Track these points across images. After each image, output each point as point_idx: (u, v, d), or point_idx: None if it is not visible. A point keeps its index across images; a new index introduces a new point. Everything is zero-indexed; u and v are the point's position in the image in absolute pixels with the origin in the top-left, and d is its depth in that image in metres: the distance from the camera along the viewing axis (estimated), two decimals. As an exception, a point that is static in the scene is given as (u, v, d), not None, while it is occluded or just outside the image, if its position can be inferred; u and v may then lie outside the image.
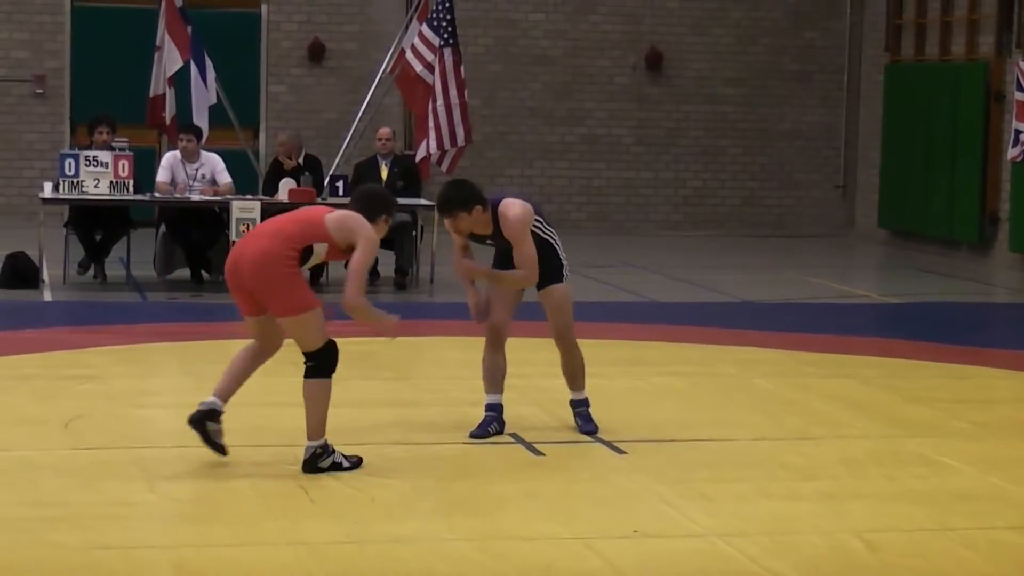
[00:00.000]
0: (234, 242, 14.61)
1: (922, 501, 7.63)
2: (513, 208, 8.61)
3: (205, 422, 8.07)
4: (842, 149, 22.41)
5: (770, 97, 22.22)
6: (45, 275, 15.03)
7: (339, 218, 7.95)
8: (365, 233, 7.92)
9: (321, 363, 7.94)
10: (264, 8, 21.19)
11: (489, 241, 8.77)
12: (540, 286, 8.82)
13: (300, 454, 8.27)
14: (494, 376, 8.87)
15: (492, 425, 8.81)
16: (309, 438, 8.00)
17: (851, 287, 16.78)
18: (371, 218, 8.05)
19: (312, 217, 8.03)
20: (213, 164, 15.17)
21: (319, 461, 7.94)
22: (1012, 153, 18.33)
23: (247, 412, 9.39)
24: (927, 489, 7.88)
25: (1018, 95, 18.14)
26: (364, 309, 7.97)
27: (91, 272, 15.43)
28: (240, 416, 9.23)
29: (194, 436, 8.06)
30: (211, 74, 16.60)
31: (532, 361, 11.43)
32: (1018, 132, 18.14)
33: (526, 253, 8.61)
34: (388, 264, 15.67)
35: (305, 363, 7.99)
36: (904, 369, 11.47)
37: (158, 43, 16.96)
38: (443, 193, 8.62)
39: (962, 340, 12.97)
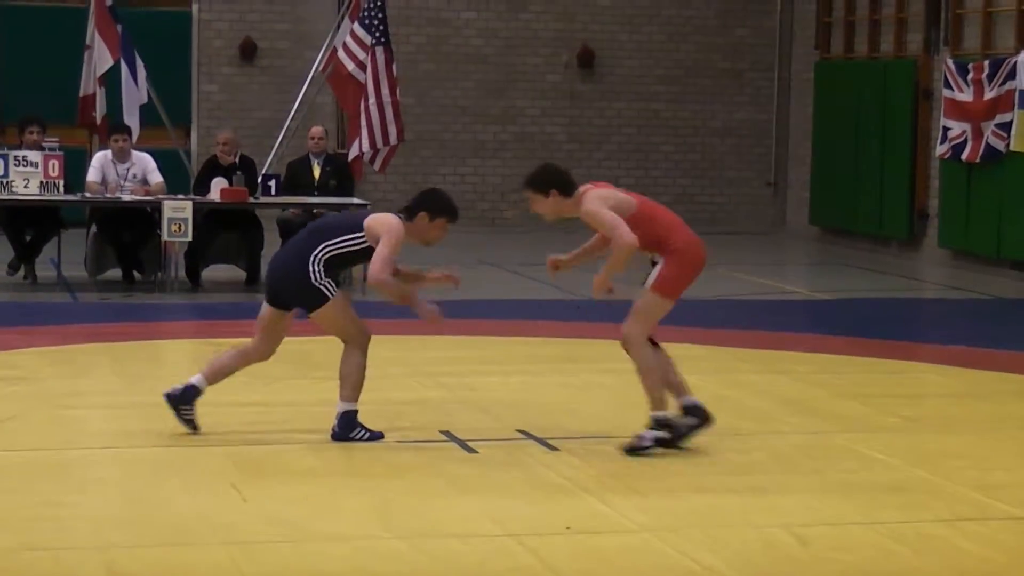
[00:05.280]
0: (165, 242, 14.64)
1: (851, 495, 7.69)
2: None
3: None
4: (773, 146, 22.55)
5: (701, 94, 22.33)
6: (-26, 276, 14.92)
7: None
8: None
9: None
10: (195, 7, 21.09)
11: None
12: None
13: (234, 454, 8.29)
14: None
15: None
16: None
17: (782, 283, 16.89)
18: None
19: None
20: (144, 164, 15.08)
21: None
22: (940, 150, 18.50)
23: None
24: (857, 483, 7.95)
25: (946, 92, 18.31)
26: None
27: (21, 273, 15.31)
28: (172, 417, 9.21)
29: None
30: (142, 73, 16.53)
31: (463, 359, 11.47)
32: (946, 129, 18.32)
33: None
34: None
35: None
36: (835, 364, 11.56)
37: (88, 42, 16.88)
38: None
39: (892, 335, 13.09)
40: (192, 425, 8.66)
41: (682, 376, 8.56)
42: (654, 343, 8.54)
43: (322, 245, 8.51)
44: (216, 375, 8.74)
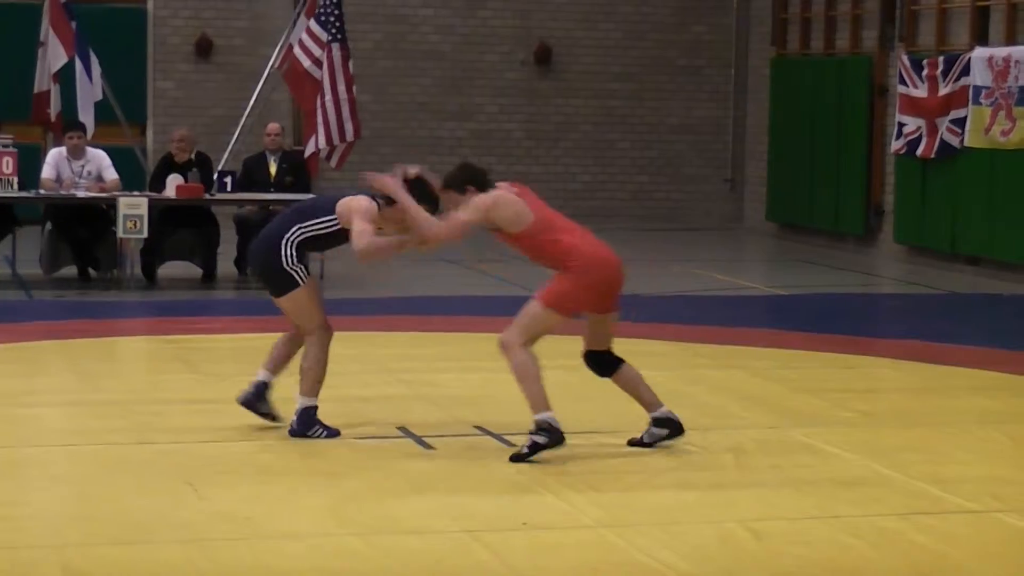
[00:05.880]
0: (121, 239, 14.59)
1: (808, 489, 7.72)
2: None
3: None
4: (730, 143, 22.61)
5: (659, 91, 22.37)
6: (-72, 274, 14.82)
7: None
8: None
9: None
10: (151, 3, 21.00)
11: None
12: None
13: (190, 451, 8.25)
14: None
15: None
16: None
17: (740, 279, 16.94)
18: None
19: None
20: (99, 160, 15.01)
21: None
22: (895, 146, 18.59)
23: (135, 410, 9.33)
24: (813, 478, 7.97)
25: (901, 88, 18.40)
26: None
27: (-25, 271, 15.23)
28: (128, 414, 9.18)
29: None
30: (96, 70, 16.46)
31: (422, 355, 11.46)
32: (901, 125, 18.40)
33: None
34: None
35: None
36: (792, 360, 11.59)
37: (42, 39, 16.79)
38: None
39: (848, 330, 13.13)
40: (334, 432, 8.61)
41: (651, 390, 8.54)
42: (618, 359, 8.54)
43: (295, 227, 8.53)
44: (302, 376, 8.68)
